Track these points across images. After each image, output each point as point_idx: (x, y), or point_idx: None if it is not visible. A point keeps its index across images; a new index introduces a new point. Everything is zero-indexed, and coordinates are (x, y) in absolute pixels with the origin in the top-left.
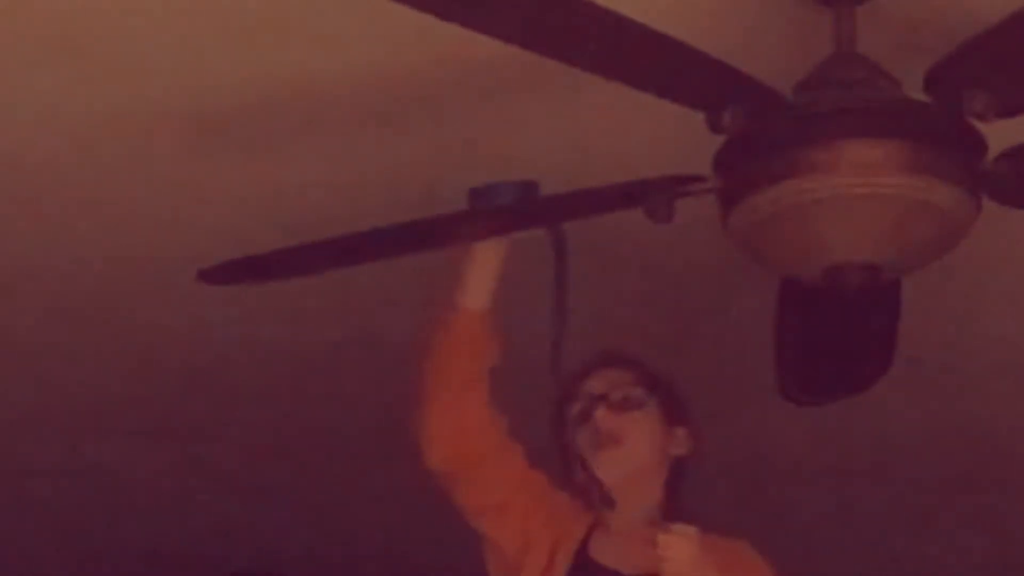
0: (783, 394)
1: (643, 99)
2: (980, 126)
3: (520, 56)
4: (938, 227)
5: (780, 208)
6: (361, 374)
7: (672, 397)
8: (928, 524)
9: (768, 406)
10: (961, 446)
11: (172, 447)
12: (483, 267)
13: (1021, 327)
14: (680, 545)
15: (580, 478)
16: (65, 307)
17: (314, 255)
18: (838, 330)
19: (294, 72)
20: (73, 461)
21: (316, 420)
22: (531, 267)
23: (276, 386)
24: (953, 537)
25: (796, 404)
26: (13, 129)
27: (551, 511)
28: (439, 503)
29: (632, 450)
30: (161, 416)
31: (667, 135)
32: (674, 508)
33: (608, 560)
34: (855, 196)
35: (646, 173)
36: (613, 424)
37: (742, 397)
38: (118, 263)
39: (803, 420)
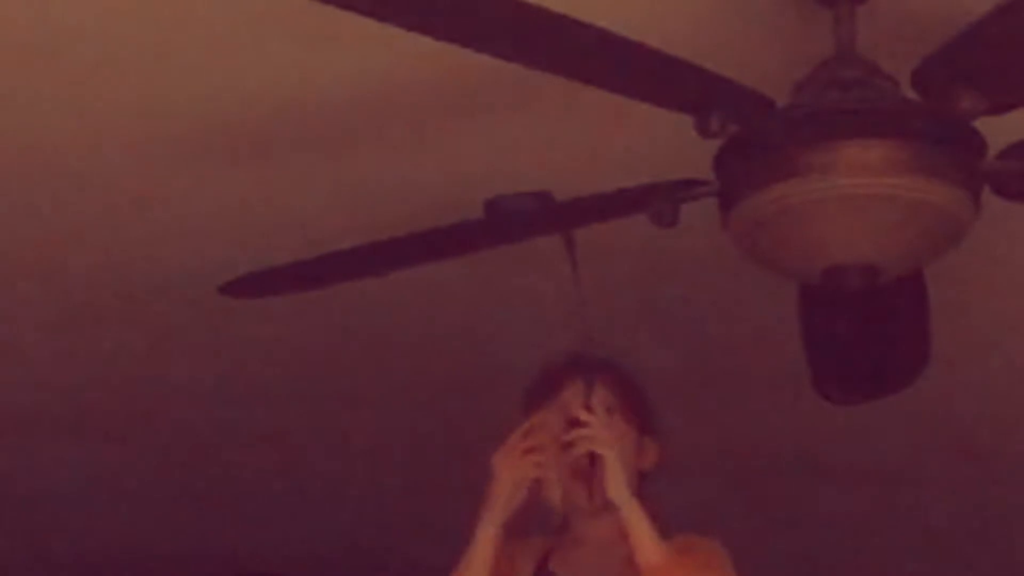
0: (820, 393)
1: (644, 105)
2: (980, 125)
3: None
4: (938, 227)
5: (780, 208)
6: (362, 375)
7: (643, 407)
8: (929, 524)
9: (770, 404)
10: (962, 447)
11: (172, 448)
12: (482, 558)
13: (1021, 327)
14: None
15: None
16: (76, 311)
17: (332, 267)
18: (865, 326)
19: (309, 84)
20: (74, 461)
21: (317, 420)
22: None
23: (277, 386)
24: (954, 536)
25: (835, 403)
26: (30, 131)
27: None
28: (439, 503)
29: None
30: (162, 417)
31: (670, 139)
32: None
33: (573, 572)
34: (855, 196)
35: (649, 178)
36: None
37: (744, 396)
38: (130, 270)
39: (806, 419)
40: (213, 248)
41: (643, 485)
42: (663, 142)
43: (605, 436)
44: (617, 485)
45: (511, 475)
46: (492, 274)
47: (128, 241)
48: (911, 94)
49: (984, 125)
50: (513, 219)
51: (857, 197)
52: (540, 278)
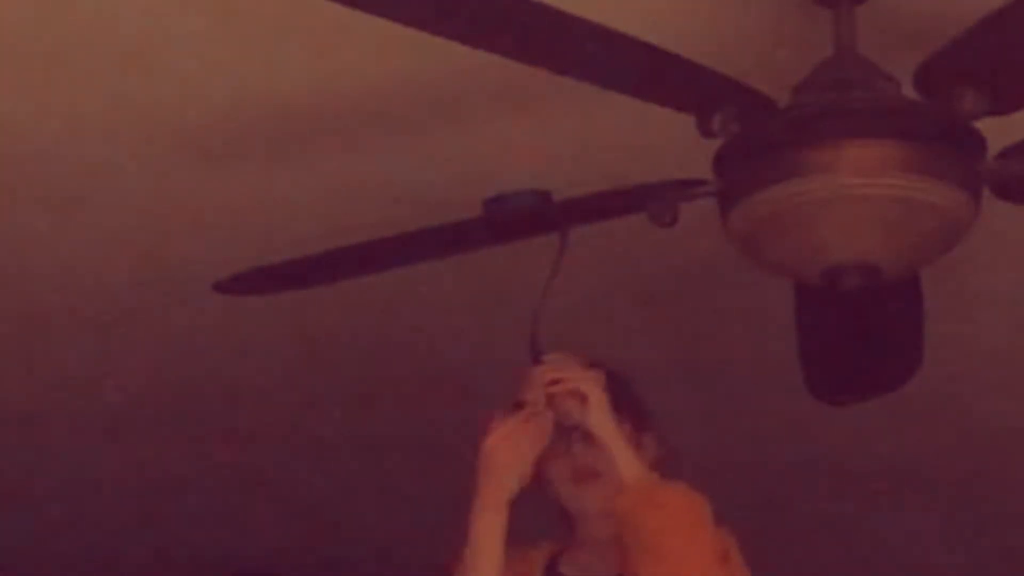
0: (813, 394)
1: (644, 104)
2: (980, 125)
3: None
4: (938, 227)
5: (779, 208)
6: (363, 376)
7: (636, 403)
8: (928, 525)
9: (768, 405)
10: (961, 448)
11: (173, 448)
12: (490, 547)
13: (1020, 327)
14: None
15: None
16: (82, 310)
17: (330, 264)
18: (859, 327)
19: (313, 82)
20: (76, 462)
21: (317, 421)
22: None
23: (277, 386)
24: (953, 538)
25: (829, 404)
26: (40, 135)
27: None
28: (439, 503)
29: (610, 480)
30: (163, 418)
31: (670, 139)
32: None
33: (581, 572)
34: (855, 196)
35: (648, 178)
36: (591, 458)
37: (744, 396)
38: (137, 270)
39: (804, 420)
40: (212, 247)
41: None
42: (663, 141)
43: (581, 375)
44: (601, 415)
45: (503, 457)
46: (487, 273)
47: (126, 240)
48: (912, 94)
49: (984, 125)
50: (512, 218)
51: (857, 197)
52: (536, 277)
